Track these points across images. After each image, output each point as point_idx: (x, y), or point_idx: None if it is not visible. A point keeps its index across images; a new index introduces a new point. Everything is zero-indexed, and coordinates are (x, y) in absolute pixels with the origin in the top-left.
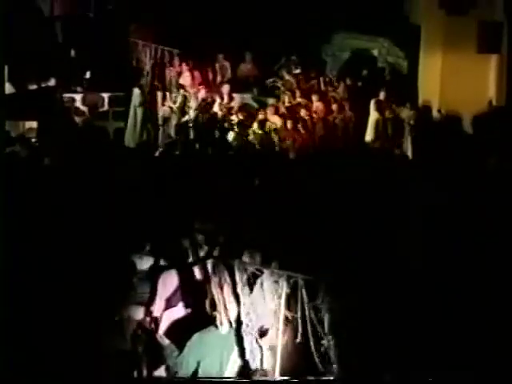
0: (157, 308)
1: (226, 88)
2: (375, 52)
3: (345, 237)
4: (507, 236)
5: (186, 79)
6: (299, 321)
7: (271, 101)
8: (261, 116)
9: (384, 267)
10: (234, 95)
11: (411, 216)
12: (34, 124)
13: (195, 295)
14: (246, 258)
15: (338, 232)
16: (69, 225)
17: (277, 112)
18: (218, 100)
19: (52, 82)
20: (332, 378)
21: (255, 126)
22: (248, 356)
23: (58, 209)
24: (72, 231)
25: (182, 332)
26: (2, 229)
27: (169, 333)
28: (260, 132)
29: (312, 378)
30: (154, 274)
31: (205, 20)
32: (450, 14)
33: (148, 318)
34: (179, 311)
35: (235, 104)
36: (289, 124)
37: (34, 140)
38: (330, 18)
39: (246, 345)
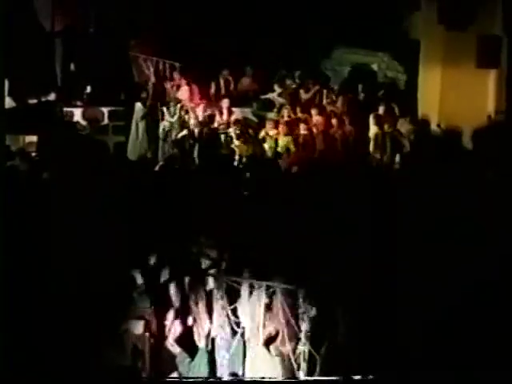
0: (168, 316)
1: (225, 102)
2: (375, 66)
3: (339, 249)
4: (506, 248)
5: (186, 93)
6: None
7: (271, 115)
8: (260, 130)
9: (380, 280)
10: (234, 109)
11: (408, 227)
12: (34, 138)
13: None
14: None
15: (330, 243)
16: (69, 239)
17: (276, 126)
18: (217, 114)
19: (52, 97)
20: (332, 378)
21: (254, 140)
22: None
23: (58, 223)
24: (72, 245)
25: (192, 340)
26: (2, 242)
27: (179, 340)
28: (259, 146)
29: (312, 378)
30: (165, 284)
31: (205, 34)
32: (450, 29)
33: (159, 326)
34: (188, 320)
35: (234, 118)
36: (288, 138)
37: (34, 154)
38: (330, 33)
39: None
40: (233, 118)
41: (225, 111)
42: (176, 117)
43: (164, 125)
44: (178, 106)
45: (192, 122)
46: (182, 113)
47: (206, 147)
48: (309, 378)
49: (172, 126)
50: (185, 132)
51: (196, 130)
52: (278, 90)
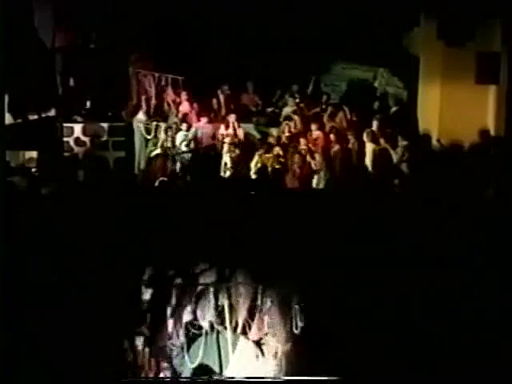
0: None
1: (232, 117)
2: (374, 82)
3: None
4: (505, 265)
5: (187, 108)
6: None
7: (273, 130)
8: (262, 145)
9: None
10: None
11: (406, 245)
12: (34, 154)
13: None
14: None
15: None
16: (69, 254)
17: (278, 141)
18: (220, 129)
19: (52, 112)
20: (333, 378)
21: (256, 155)
22: None
23: (58, 238)
24: (73, 260)
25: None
26: (2, 257)
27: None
28: (260, 161)
29: (313, 378)
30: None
31: (206, 49)
32: (449, 44)
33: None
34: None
35: (238, 133)
36: (289, 154)
37: (34, 170)
38: (330, 48)
39: None
40: (235, 132)
41: (230, 126)
42: (180, 132)
43: (165, 139)
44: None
45: (194, 136)
46: (186, 128)
47: (206, 162)
48: (309, 378)
49: (174, 140)
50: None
51: (197, 145)
52: (286, 106)
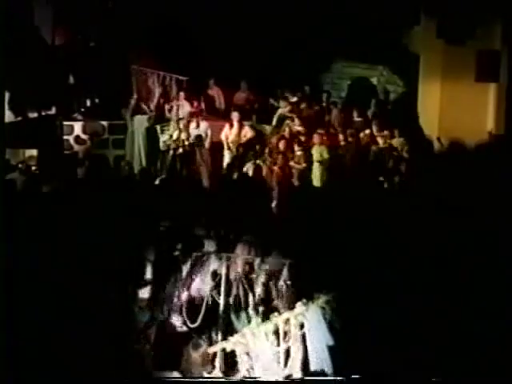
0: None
1: (235, 116)
2: (374, 80)
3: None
4: (507, 264)
5: (187, 107)
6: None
7: (270, 129)
8: (261, 143)
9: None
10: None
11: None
12: (34, 152)
13: None
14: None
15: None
16: (69, 252)
17: (277, 140)
18: (228, 128)
19: (52, 110)
20: (332, 378)
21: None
22: None
23: (58, 236)
24: (72, 259)
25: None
26: (2, 258)
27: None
28: (259, 159)
29: (314, 378)
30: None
31: (203, 47)
32: (449, 43)
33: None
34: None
35: (242, 132)
36: (288, 152)
37: (34, 168)
38: (330, 46)
39: None
40: (238, 131)
41: (235, 124)
42: (178, 130)
43: (164, 138)
44: (171, 123)
45: (193, 135)
46: (185, 126)
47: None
48: (308, 378)
49: (173, 139)
50: (188, 146)
51: (197, 144)
52: (285, 105)
